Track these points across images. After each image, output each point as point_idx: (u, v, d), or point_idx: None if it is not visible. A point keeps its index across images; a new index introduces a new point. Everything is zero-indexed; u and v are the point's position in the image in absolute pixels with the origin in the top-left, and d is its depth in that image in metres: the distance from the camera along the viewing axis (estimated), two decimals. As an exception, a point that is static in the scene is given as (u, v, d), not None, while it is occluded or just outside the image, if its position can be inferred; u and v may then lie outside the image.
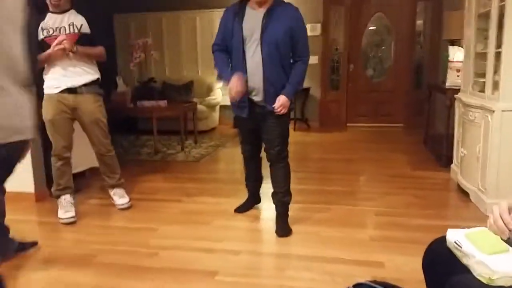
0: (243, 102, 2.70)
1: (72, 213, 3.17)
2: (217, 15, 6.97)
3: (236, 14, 2.66)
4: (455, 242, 1.23)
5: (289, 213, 2.91)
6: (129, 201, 3.43)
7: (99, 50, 3.16)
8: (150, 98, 5.73)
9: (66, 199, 3.24)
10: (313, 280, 2.22)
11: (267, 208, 3.22)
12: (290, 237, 2.79)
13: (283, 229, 2.82)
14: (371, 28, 6.97)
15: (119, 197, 3.42)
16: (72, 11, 3.14)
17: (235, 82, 2.60)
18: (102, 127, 3.27)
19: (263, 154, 3.00)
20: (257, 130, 2.84)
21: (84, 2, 7.30)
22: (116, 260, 2.52)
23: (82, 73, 3.10)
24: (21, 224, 3.13)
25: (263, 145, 2.90)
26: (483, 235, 1.21)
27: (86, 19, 3.15)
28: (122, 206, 3.38)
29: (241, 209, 3.22)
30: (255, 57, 2.62)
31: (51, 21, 3.06)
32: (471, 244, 1.19)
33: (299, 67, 2.70)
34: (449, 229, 1.30)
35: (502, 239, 1.18)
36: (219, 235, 2.83)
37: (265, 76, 2.63)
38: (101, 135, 3.27)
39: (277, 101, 2.63)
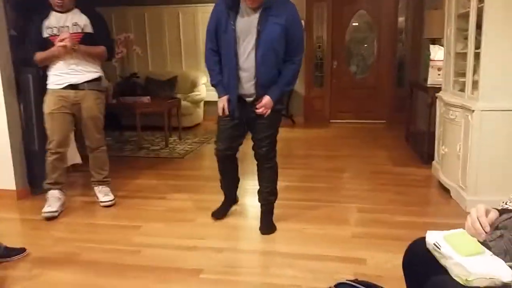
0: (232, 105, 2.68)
1: (54, 208, 3.14)
2: (200, 9, 7.02)
3: (230, 9, 2.52)
4: (434, 243, 1.27)
5: (273, 210, 2.93)
6: (113, 199, 3.41)
7: (101, 49, 3.22)
8: (133, 93, 5.69)
9: (53, 194, 3.23)
10: (296, 277, 2.25)
11: (251, 205, 3.24)
12: (273, 234, 2.82)
13: (267, 227, 2.84)
14: (354, 24, 7.01)
15: (104, 195, 3.39)
16: (76, 11, 3.18)
17: (224, 105, 2.65)
18: (98, 123, 3.31)
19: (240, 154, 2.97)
20: (241, 127, 2.76)
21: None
22: (100, 258, 2.51)
23: (85, 71, 3.17)
24: (3, 223, 3.09)
25: (252, 144, 2.81)
26: (461, 237, 1.25)
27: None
28: (106, 204, 3.36)
29: (219, 214, 3.06)
30: (249, 58, 2.55)
31: (54, 20, 3.11)
32: (449, 246, 1.23)
33: (289, 68, 2.63)
34: (428, 231, 1.33)
35: (479, 241, 1.22)
36: (203, 232, 2.84)
37: (258, 79, 2.57)
38: (95, 130, 3.30)
39: (260, 101, 2.60)
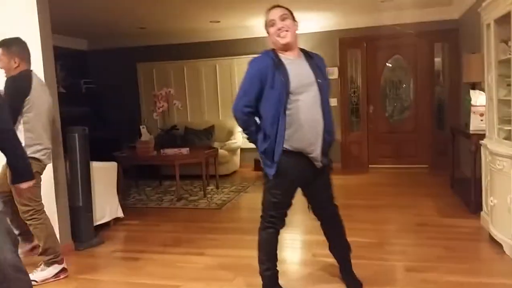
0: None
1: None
2: (236, 62, 7.24)
3: (275, 65, 2.36)
4: None
5: (310, 269, 2.81)
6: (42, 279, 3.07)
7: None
8: (172, 145, 5.83)
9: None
10: None
11: (290, 264, 3.16)
12: (316, 296, 2.71)
13: (356, 283, 2.72)
14: (389, 65, 6.99)
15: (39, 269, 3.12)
16: None
17: None
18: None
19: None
20: (301, 188, 2.59)
21: (110, 51, 7.58)
22: (140, 322, 2.48)
23: None
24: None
25: (311, 207, 2.64)
26: None
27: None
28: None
29: None
30: (314, 106, 2.38)
31: None
32: None
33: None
34: None
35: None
36: (243, 293, 2.77)
37: (325, 125, 2.42)
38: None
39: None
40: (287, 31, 2.37)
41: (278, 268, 2.61)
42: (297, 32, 2.45)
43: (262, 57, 2.43)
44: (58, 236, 3.58)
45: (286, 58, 2.41)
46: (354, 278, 2.76)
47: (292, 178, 2.46)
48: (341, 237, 2.75)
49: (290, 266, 3.16)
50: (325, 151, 2.48)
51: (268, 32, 2.45)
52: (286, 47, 2.41)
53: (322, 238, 2.78)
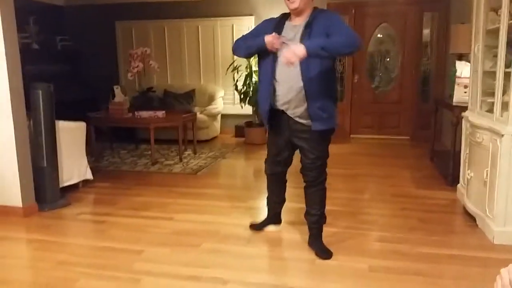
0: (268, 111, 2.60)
1: None
2: (219, 23, 6.96)
3: (275, 27, 2.54)
4: None
5: (282, 235, 2.76)
6: None
7: None
8: (149, 107, 5.62)
9: None
10: (304, 317, 2.06)
11: (259, 232, 3.08)
12: (283, 265, 2.63)
13: (323, 251, 2.70)
14: (378, 36, 6.80)
15: None
16: None
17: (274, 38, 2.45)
18: None
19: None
20: (291, 146, 2.71)
21: (89, 7, 7.24)
22: (97, 286, 2.38)
23: None
24: (4, 242, 3.02)
25: (301, 165, 2.69)
26: None
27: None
28: None
29: (257, 226, 3.11)
30: (294, 71, 2.41)
31: None
32: None
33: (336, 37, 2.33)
34: None
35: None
36: (208, 260, 2.67)
37: (306, 91, 2.43)
38: None
39: (291, 46, 2.27)
40: None
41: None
42: None
43: (272, 18, 2.68)
44: (19, 196, 3.45)
45: (290, 23, 2.55)
46: (322, 248, 2.71)
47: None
48: (314, 206, 2.71)
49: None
50: (312, 114, 2.48)
51: None
52: (295, 12, 2.50)
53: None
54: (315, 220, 2.74)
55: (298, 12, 2.49)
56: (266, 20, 2.70)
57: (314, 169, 2.62)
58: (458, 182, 3.85)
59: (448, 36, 5.76)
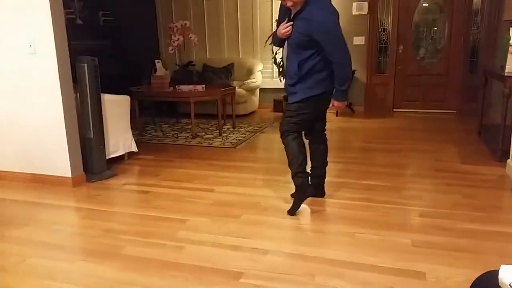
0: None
1: None
2: (258, -2, 6.84)
3: (284, 15, 2.86)
4: (510, 284, 1.03)
5: (324, 209, 2.79)
6: None
7: None
8: (189, 81, 5.68)
9: None
10: (344, 289, 2.06)
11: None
12: (323, 238, 2.64)
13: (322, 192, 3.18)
14: (424, 5, 6.48)
15: None
16: None
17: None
18: None
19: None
20: None
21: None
22: (142, 253, 2.47)
23: None
24: (56, 210, 3.18)
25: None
26: None
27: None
28: None
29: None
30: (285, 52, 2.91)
31: None
32: None
33: (336, 70, 2.75)
34: (503, 266, 1.09)
35: None
36: (248, 231, 2.72)
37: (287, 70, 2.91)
38: None
39: (331, 105, 2.91)
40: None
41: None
42: None
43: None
44: (68, 167, 3.61)
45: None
46: (322, 189, 3.16)
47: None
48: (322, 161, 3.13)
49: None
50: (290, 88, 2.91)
51: None
52: (290, 7, 2.75)
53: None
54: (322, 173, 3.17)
55: (292, 7, 2.76)
56: (281, 4, 2.85)
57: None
58: (508, 157, 3.68)
59: (501, 2, 5.40)
